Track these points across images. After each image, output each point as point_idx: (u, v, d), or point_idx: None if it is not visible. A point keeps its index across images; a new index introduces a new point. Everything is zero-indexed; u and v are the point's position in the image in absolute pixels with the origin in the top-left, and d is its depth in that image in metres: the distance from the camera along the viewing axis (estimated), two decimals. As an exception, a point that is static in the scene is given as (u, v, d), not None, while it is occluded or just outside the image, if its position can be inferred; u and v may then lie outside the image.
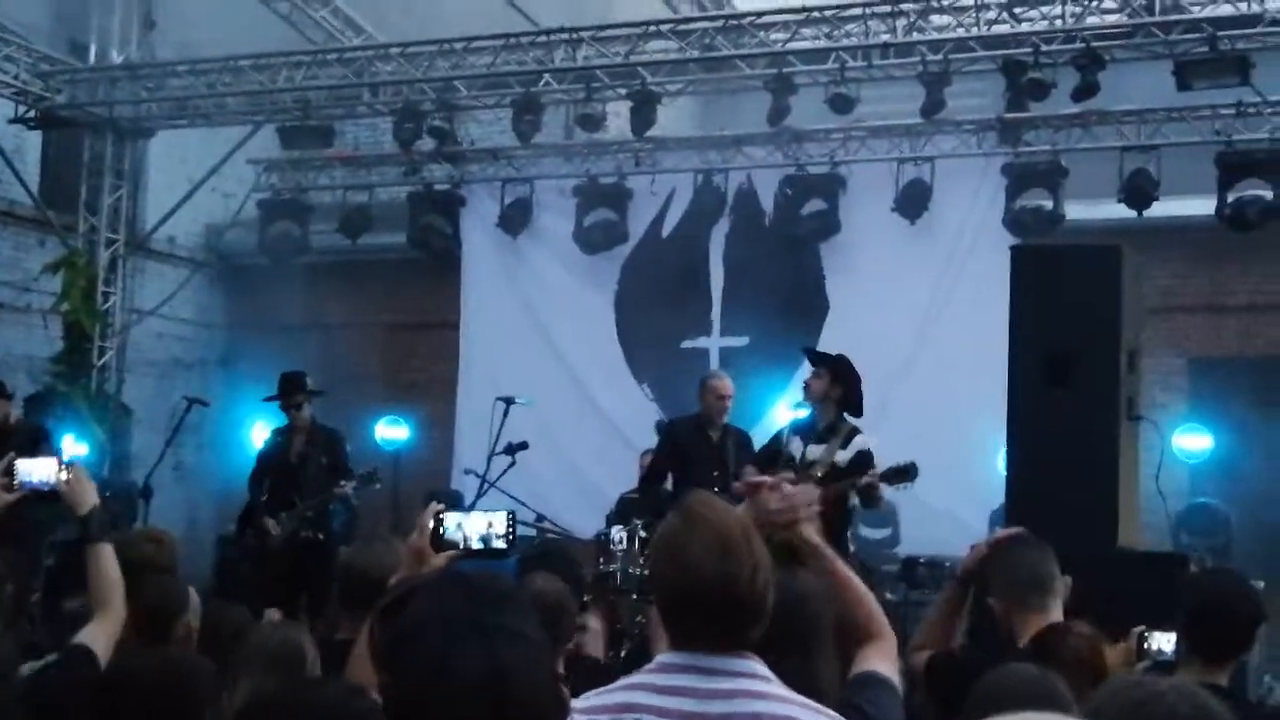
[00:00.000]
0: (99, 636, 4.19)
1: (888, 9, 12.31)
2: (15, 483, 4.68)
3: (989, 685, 3.36)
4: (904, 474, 8.71)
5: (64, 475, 4.60)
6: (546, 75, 13.54)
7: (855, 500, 9.05)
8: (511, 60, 13.65)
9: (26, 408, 12.44)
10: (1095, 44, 11.61)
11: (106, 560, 4.37)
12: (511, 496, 10.26)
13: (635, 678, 2.99)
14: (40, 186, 15.39)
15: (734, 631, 2.90)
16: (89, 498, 4.49)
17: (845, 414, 9.13)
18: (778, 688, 2.90)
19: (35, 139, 15.30)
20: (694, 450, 9.93)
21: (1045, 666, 3.62)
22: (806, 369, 9.66)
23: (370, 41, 14.69)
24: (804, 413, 9.64)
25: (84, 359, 14.83)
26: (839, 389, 9.11)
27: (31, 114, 14.70)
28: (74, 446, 12.77)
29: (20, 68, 14.37)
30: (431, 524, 3.83)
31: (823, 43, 12.66)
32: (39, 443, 9.68)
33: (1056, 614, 4.62)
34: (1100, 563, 6.44)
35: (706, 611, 2.89)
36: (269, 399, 10.80)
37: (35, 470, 4.66)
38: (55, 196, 15.49)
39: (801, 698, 2.92)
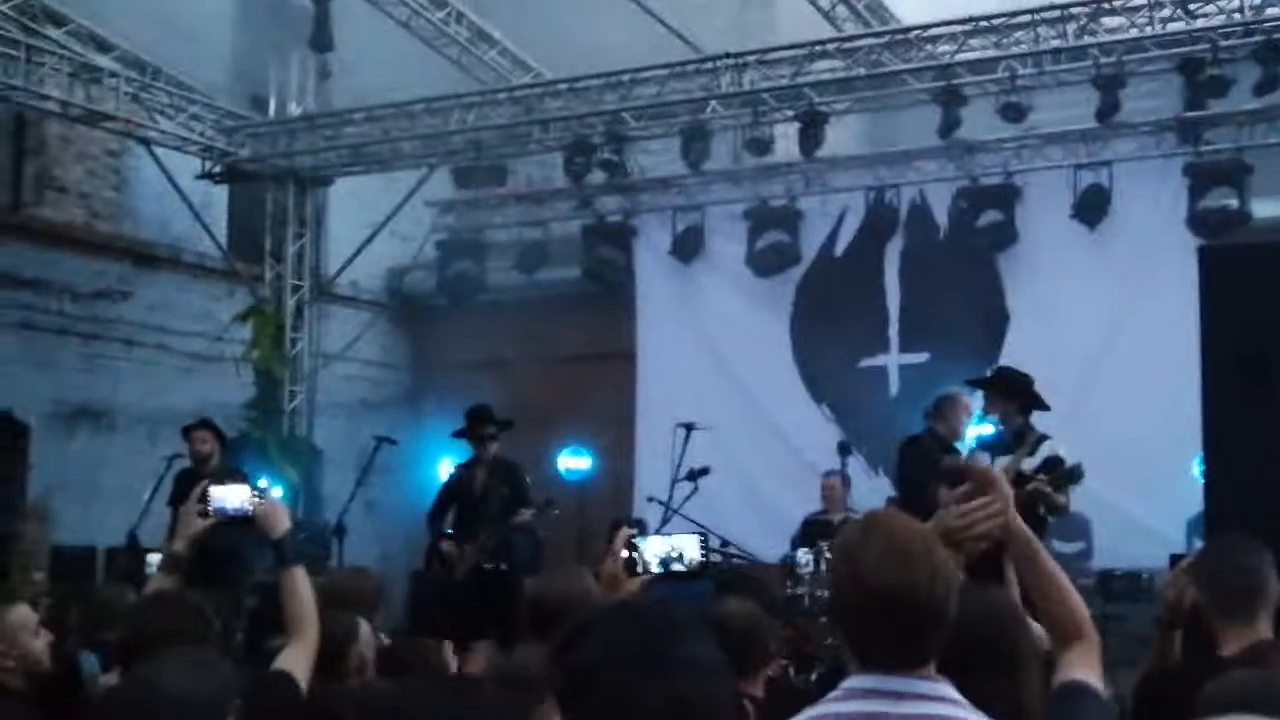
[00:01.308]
0: (298, 661, 4.23)
1: (1057, 14, 12.08)
2: (210, 509, 4.83)
3: (1212, 693, 3.17)
4: (1070, 476, 8.47)
5: (256, 500, 4.72)
6: (713, 102, 13.57)
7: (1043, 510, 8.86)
8: (678, 89, 13.71)
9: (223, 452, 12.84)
10: (1276, 35, 11.24)
11: (301, 584, 4.41)
12: (694, 522, 10.26)
13: (820, 707, 2.84)
14: (228, 239, 15.89)
15: (914, 640, 2.80)
16: (282, 522, 4.58)
17: (1031, 420, 8.93)
18: (971, 713, 2.81)
19: (221, 193, 15.81)
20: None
21: None
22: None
23: (538, 79, 14.88)
24: (989, 428, 9.48)
25: (275, 404, 15.25)
26: (1013, 401, 8.96)
27: (217, 169, 15.20)
28: (272, 489, 13.12)
29: (205, 125, 14.87)
30: (625, 551, 3.83)
31: (991, 52, 12.46)
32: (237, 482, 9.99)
33: (1265, 627, 4.30)
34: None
35: (884, 621, 2.78)
36: (458, 434, 10.96)
37: (229, 497, 4.80)
38: (242, 248, 15.98)
39: None
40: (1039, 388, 9.05)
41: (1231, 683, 3.20)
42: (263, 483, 11.77)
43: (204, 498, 4.84)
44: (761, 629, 4.62)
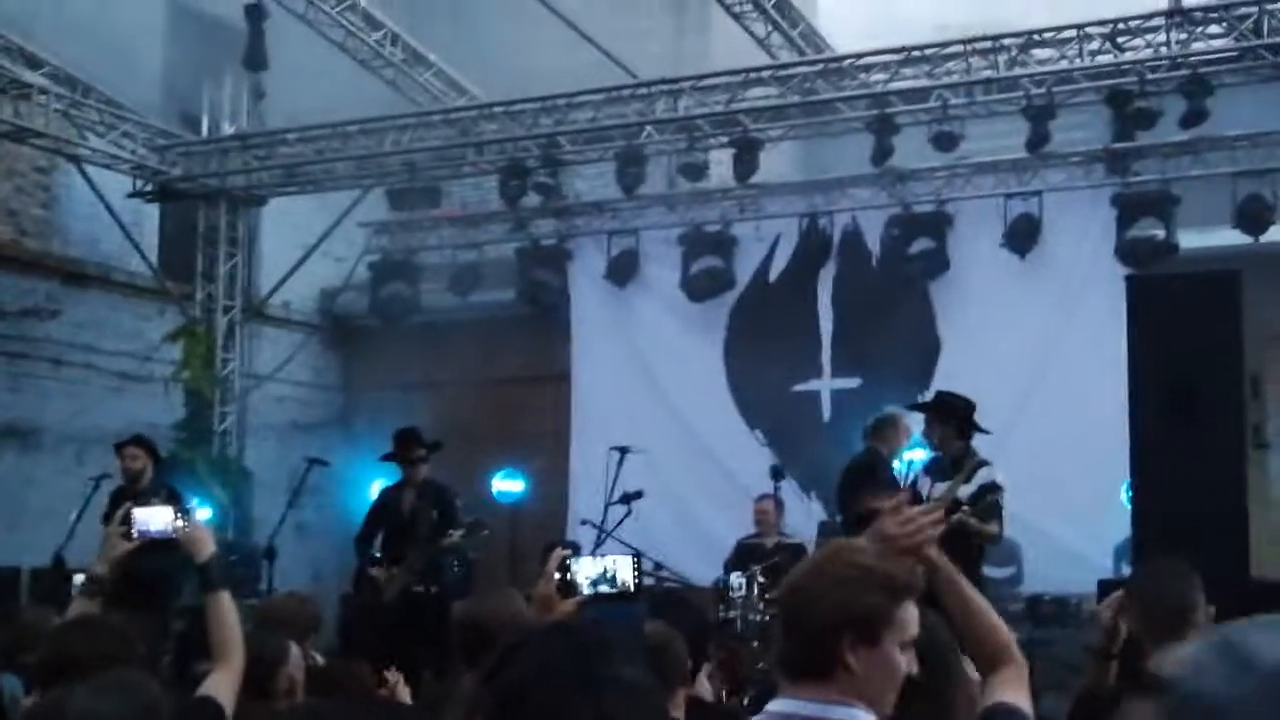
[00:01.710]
0: (223, 686, 4.18)
1: (988, 44, 12.23)
2: (134, 531, 4.77)
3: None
4: (990, 509, 8.51)
5: (180, 523, 4.66)
6: (648, 127, 13.63)
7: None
8: (613, 114, 13.76)
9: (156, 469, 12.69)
10: (1202, 70, 11.44)
11: (226, 609, 4.36)
12: (628, 545, 10.25)
13: None
14: (159, 258, 15.74)
15: (792, 657, 2.89)
16: (206, 546, 4.53)
17: (971, 443, 8.99)
18: None
19: (153, 211, 15.68)
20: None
21: None
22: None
23: (473, 101, 14.89)
24: (921, 453, 9.58)
25: (205, 425, 15.11)
26: (951, 426, 9.03)
27: (149, 188, 15.07)
28: (198, 510, 12.97)
29: (137, 143, 14.74)
30: (558, 573, 3.83)
31: (924, 81, 12.59)
32: (168, 501, 9.85)
33: None
34: (1232, 594, 6.29)
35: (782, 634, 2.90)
36: (386, 457, 10.90)
37: (152, 519, 4.74)
38: (173, 267, 15.83)
39: None
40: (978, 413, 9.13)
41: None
42: (192, 503, 11.67)
43: (127, 519, 4.78)
44: (676, 648, 4.61)
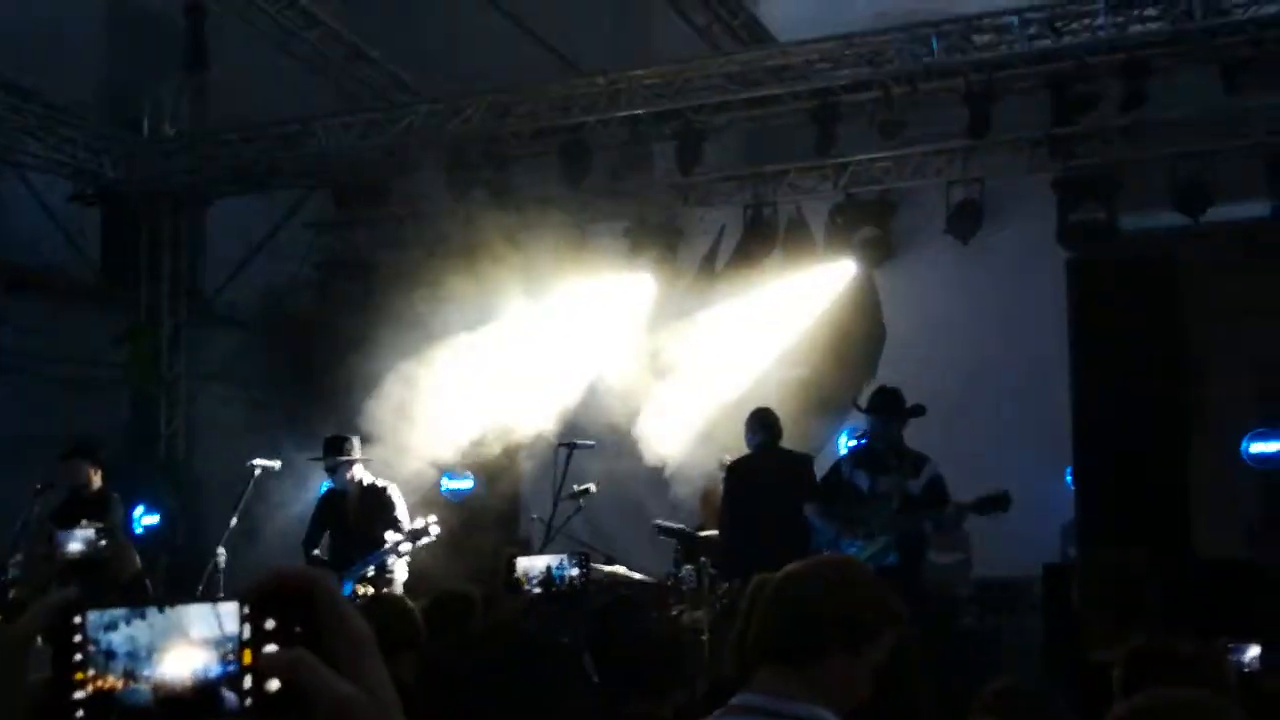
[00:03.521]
0: None
1: (929, 31, 12.29)
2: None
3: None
4: (998, 503, 8.52)
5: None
6: (592, 120, 13.61)
7: (929, 527, 8.98)
8: (557, 109, 13.73)
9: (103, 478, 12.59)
10: (1139, 53, 11.54)
11: None
12: (579, 541, 10.26)
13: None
14: (102, 261, 15.59)
15: (773, 640, 3.04)
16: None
17: (910, 421, 9.00)
18: None
19: (95, 214, 15.52)
20: None
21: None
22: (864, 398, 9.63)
23: (416, 98, 14.82)
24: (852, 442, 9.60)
25: (151, 428, 15.00)
26: (893, 420, 9.03)
27: (90, 191, 14.92)
28: (145, 516, 12.91)
29: (77, 146, 14.59)
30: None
31: (866, 69, 12.63)
32: (111, 510, 9.77)
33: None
34: (1176, 571, 6.37)
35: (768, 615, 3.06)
36: (313, 459, 10.89)
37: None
38: (117, 269, 15.67)
39: None
40: (918, 399, 9.16)
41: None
42: (136, 511, 11.54)
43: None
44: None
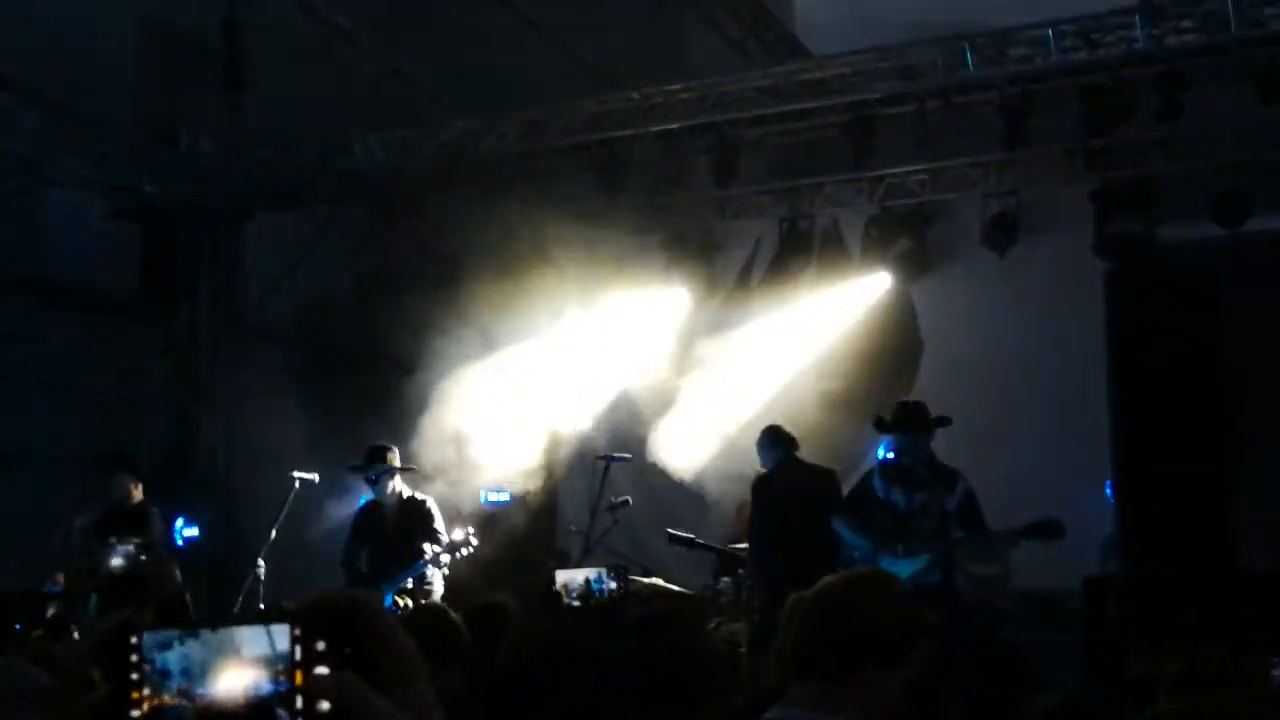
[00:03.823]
0: None
1: (964, 45, 12.26)
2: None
3: None
4: (1050, 530, 8.44)
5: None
6: (628, 134, 13.63)
7: (959, 534, 8.92)
8: (593, 124, 13.75)
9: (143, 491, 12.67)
10: (1175, 65, 11.49)
11: None
12: (617, 553, 10.28)
13: None
14: (141, 277, 15.67)
15: (808, 654, 3.03)
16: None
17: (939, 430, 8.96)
18: None
19: (132, 230, 15.61)
20: None
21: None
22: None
23: (454, 115, 14.88)
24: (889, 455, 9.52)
25: (191, 442, 15.08)
26: (919, 435, 8.98)
27: (128, 207, 15.01)
28: (185, 529, 12.98)
29: (115, 162, 14.68)
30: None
31: (900, 83, 12.61)
32: (150, 523, 9.83)
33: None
34: (1218, 585, 6.34)
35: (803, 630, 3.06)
36: (354, 468, 10.94)
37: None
38: (155, 285, 15.76)
39: None
40: (954, 412, 9.12)
41: None
42: (177, 525, 11.62)
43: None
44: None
